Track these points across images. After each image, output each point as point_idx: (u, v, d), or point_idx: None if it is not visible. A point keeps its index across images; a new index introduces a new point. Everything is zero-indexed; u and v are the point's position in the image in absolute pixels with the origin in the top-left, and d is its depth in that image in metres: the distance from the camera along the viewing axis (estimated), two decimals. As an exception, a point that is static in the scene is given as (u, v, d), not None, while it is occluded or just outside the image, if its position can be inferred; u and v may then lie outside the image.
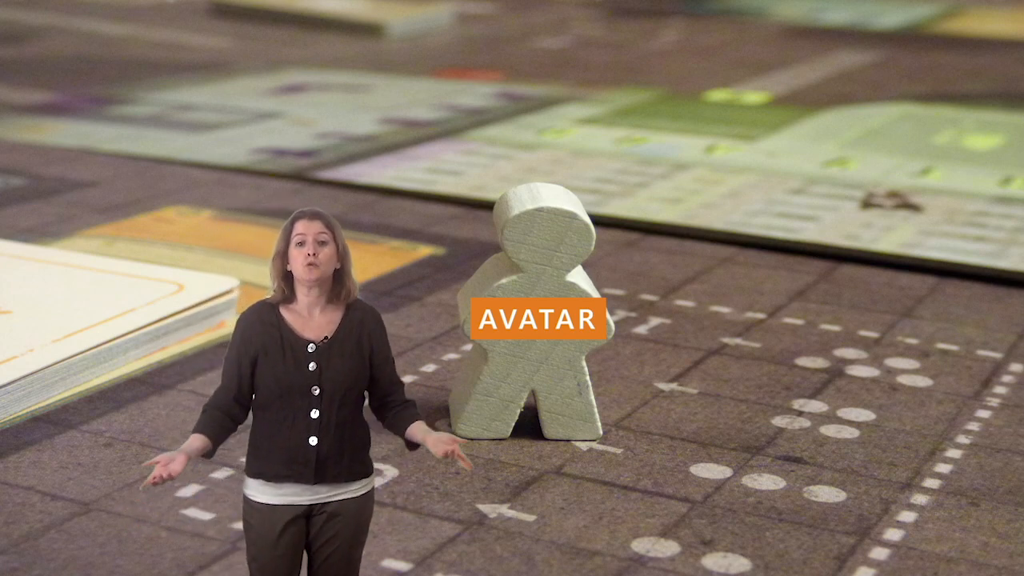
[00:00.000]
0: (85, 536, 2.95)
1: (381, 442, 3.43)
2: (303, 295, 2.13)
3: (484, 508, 3.10)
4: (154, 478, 2.02)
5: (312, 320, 2.13)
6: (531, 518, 3.05)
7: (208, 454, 2.13)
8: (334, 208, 5.73)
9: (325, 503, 2.13)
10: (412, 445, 2.23)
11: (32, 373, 3.67)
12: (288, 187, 6.12)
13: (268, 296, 2.17)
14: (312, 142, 7.02)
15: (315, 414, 2.09)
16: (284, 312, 2.13)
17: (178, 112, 7.74)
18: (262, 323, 2.12)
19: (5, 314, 4.13)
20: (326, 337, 2.12)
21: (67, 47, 10.21)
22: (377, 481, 3.21)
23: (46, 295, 4.29)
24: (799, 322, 4.46)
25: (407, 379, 3.87)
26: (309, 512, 2.14)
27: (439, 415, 3.62)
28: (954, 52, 10.73)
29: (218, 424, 2.11)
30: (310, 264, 2.08)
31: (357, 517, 2.17)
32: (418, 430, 2.19)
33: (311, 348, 2.10)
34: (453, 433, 3.40)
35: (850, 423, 3.66)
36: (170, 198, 5.83)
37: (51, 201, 5.72)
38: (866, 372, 4.03)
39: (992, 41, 11.38)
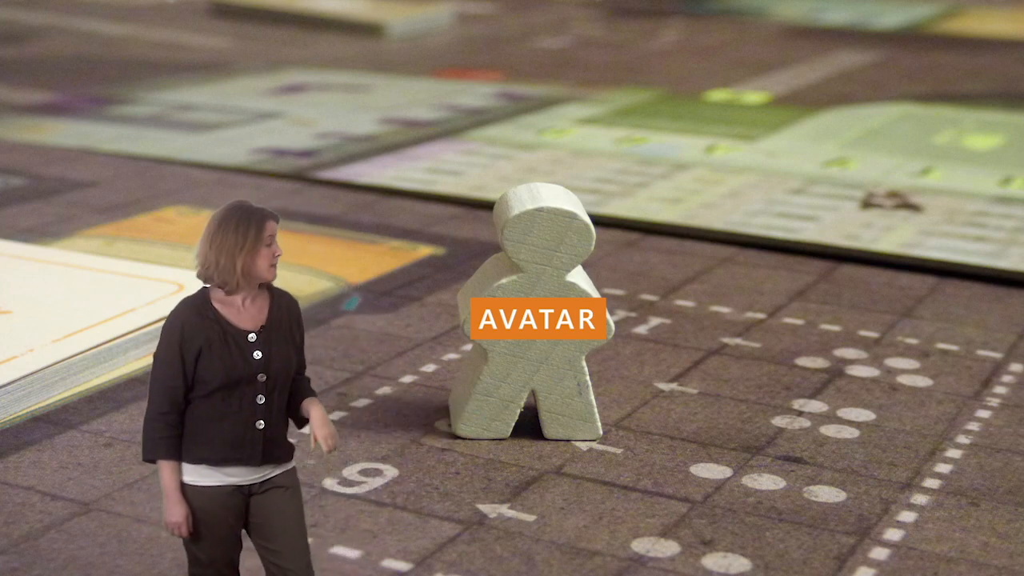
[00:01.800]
0: (85, 536, 2.95)
1: (381, 442, 3.43)
2: (248, 289, 2.19)
3: (484, 508, 3.10)
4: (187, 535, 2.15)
5: (245, 311, 2.19)
6: (531, 518, 3.05)
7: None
8: (334, 208, 5.73)
9: (263, 480, 2.20)
10: (301, 420, 2.28)
11: (32, 373, 3.67)
12: (288, 187, 6.12)
13: (200, 290, 2.21)
14: (312, 142, 7.03)
15: (261, 400, 2.16)
16: (217, 305, 2.19)
17: (178, 112, 7.74)
18: (201, 318, 2.17)
19: (5, 314, 4.13)
20: (262, 326, 2.19)
21: (67, 47, 10.22)
22: (377, 481, 3.22)
23: (46, 295, 4.30)
24: (799, 322, 4.47)
25: (407, 379, 3.87)
26: (249, 492, 2.20)
27: (439, 415, 3.62)
28: (954, 52, 10.73)
29: (174, 435, 2.15)
30: (274, 265, 2.18)
31: (297, 488, 2.25)
32: (313, 405, 2.23)
33: (252, 338, 2.17)
34: (453, 433, 3.40)
35: (850, 423, 3.66)
36: (170, 198, 5.84)
37: (51, 201, 5.72)
38: (866, 372, 4.03)
39: (992, 41, 11.39)
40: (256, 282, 2.19)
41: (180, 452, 2.16)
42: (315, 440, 2.22)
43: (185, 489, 2.18)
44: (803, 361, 4.11)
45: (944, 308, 4.65)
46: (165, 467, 2.16)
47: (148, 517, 3.03)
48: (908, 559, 2.93)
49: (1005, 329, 4.45)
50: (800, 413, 3.71)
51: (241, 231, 2.16)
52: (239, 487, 2.18)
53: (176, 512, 2.15)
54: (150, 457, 2.16)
